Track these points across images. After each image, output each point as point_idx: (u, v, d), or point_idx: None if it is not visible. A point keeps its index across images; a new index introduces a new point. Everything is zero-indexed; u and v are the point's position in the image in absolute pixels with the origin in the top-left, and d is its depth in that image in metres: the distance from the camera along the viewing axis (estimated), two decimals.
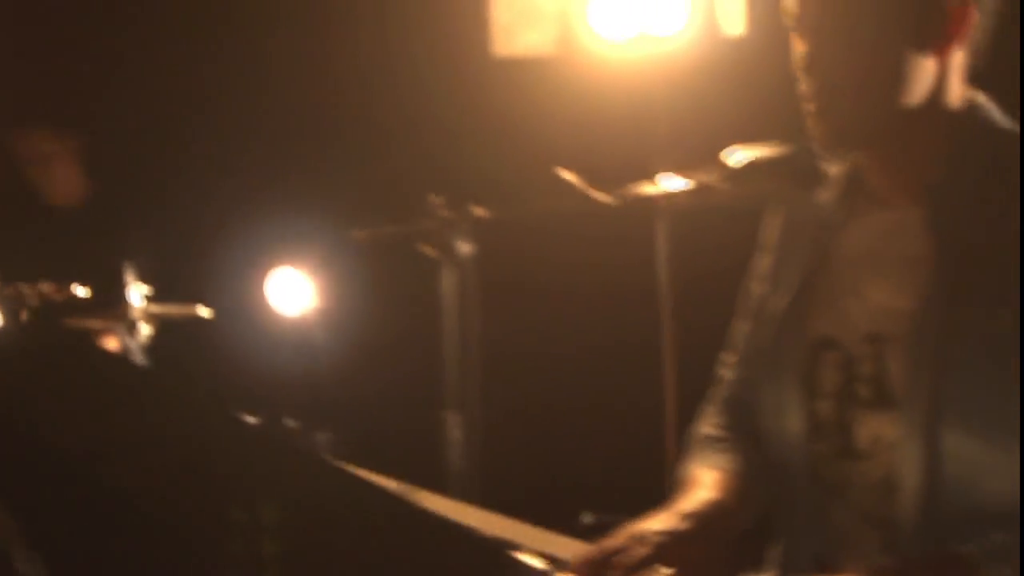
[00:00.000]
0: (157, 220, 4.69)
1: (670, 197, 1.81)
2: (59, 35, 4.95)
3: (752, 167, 1.71)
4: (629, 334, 4.32)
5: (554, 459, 4.57)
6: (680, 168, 2.02)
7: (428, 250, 2.29)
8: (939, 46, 1.74)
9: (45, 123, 4.65)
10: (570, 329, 4.52)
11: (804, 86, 1.76)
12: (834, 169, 1.95)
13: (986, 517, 1.64)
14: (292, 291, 4.67)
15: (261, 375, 4.45)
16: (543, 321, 4.53)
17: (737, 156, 1.75)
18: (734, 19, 3.96)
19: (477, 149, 4.23)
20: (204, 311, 4.14)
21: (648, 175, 2.41)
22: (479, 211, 2.20)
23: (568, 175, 1.92)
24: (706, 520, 1.80)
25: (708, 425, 2.03)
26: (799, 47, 1.77)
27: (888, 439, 1.73)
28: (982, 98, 1.81)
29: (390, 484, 2.05)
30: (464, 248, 2.30)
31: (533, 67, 4.21)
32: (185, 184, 4.81)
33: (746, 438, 1.95)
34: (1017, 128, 1.80)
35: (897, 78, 1.72)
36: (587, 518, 3.72)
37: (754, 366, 1.94)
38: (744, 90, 3.92)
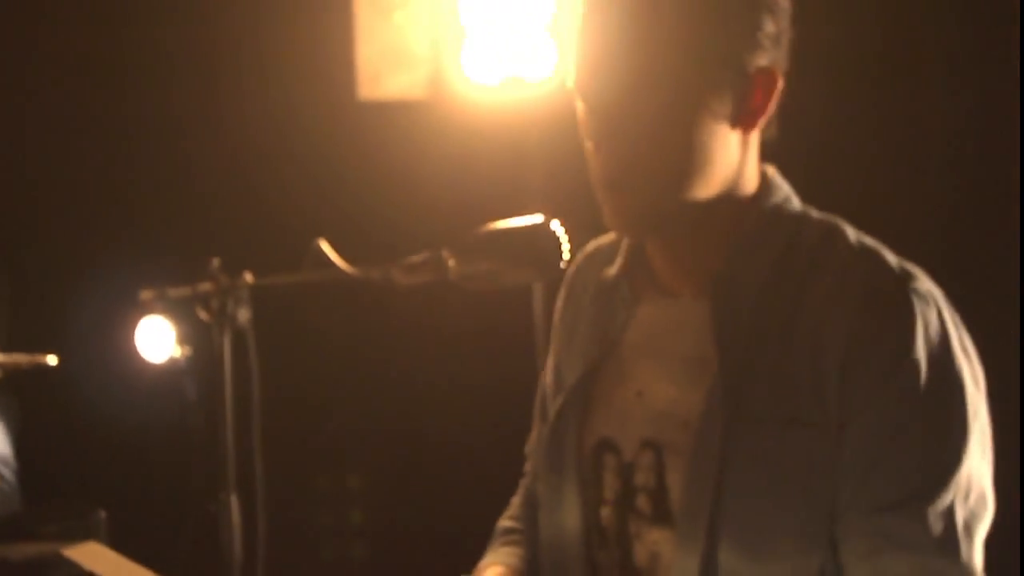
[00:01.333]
0: (15, 265, 4.53)
1: (409, 271, 1.65)
2: None
3: (484, 241, 1.55)
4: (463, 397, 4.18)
5: (349, 539, 4.44)
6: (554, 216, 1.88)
7: (203, 315, 2.13)
8: (746, 122, 1.56)
9: None
10: (381, 400, 4.40)
11: (592, 161, 1.57)
12: (599, 244, 1.80)
13: None
14: (159, 340, 4.53)
15: (121, 427, 4.31)
16: (339, 391, 4.41)
17: (482, 229, 1.60)
18: None
19: (343, 195, 4.09)
20: (52, 360, 3.95)
21: None
22: (250, 277, 2.05)
23: (324, 247, 1.77)
24: None
25: (506, 517, 1.91)
26: (586, 119, 1.56)
27: (665, 558, 1.57)
28: (773, 173, 1.64)
29: None
30: (241, 315, 2.14)
31: (402, 111, 4.07)
32: (44, 227, 4.65)
33: (533, 534, 1.81)
34: (806, 209, 1.63)
35: (700, 159, 1.52)
36: None
37: (538, 460, 1.80)
38: None
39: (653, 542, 1.59)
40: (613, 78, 1.52)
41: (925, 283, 1.52)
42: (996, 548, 3.29)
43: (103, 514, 2.63)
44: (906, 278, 1.51)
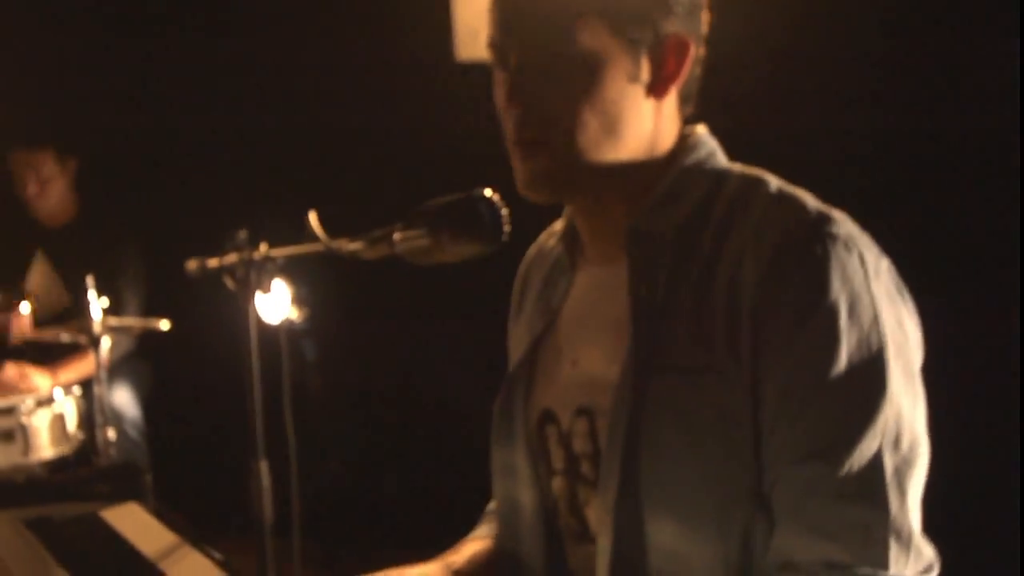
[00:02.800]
0: (143, 235, 4.70)
1: (369, 246, 1.64)
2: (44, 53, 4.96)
3: (424, 216, 1.52)
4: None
5: (384, 497, 4.44)
6: None
7: (231, 285, 2.17)
8: (659, 88, 1.52)
9: (47, 145, 4.66)
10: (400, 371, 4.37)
11: (506, 122, 1.55)
12: (550, 230, 1.79)
13: None
14: (278, 301, 4.62)
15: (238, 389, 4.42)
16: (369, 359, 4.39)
17: (424, 204, 1.58)
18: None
19: (441, 157, 4.09)
20: (164, 324, 4.09)
21: None
22: (264, 249, 2.07)
23: (313, 220, 1.77)
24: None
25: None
26: (502, 80, 1.55)
27: None
28: (699, 132, 1.60)
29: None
30: (264, 286, 2.17)
31: None
32: (167, 196, 4.80)
33: None
34: (732, 165, 1.58)
35: (611, 119, 1.49)
36: None
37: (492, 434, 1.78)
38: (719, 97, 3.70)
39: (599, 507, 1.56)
40: (528, 34, 1.49)
41: (844, 226, 1.44)
42: (995, 546, 3.16)
43: (149, 476, 2.76)
44: (822, 222, 1.44)
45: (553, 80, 1.48)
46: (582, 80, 1.48)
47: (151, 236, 4.70)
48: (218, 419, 4.48)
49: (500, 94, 1.56)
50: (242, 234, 2.23)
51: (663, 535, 1.47)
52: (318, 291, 4.42)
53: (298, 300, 4.58)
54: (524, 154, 1.52)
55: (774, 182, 1.54)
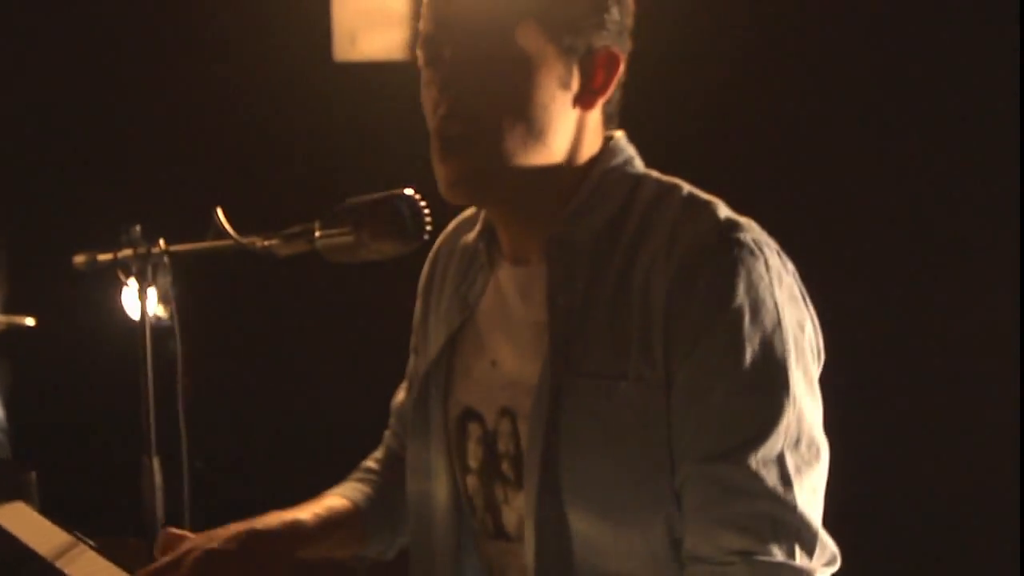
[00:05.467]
0: (6, 229, 4.57)
1: (285, 242, 1.66)
2: None
3: (346, 214, 1.55)
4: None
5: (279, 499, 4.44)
6: None
7: (124, 280, 2.15)
8: (586, 100, 1.57)
9: None
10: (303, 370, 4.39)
11: (431, 118, 1.58)
12: (466, 215, 1.81)
13: None
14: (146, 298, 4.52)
15: (104, 388, 4.33)
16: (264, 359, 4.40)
17: (346, 202, 1.60)
18: None
19: (317, 158, 4.09)
20: (29, 321, 3.99)
21: None
22: (163, 244, 2.06)
23: (221, 216, 1.77)
24: (269, 540, 1.66)
25: (371, 458, 1.93)
26: (430, 77, 1.58)
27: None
28: (618, 138, 1.64)
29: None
30: (160, 282, 2.16)
31: (379, 72, 4.04)
32: (31, 190, 4.68)
33: (391, 486, 1.84)
34: (648, 172, 1.64)
35: (537, 123, 1.53)
36: None
37: (406, 426, 1.81)
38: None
39: (519, 507, 1.60)
40: (465, 30, 1.52)
41: (751, 233, 1.50)
42: (995, 546, 3.27)
43: (33, 474, 2.70)
44: (730, 228, 1.50)
45: (486, 78, 1.50)
46: (515, 81, 1.51)
47: (15, 230, 4.58)
48: (89, 417, 4.40)
49: (427, 92, 1.58)
50: (136, 229, 2.22)
51: (587, 533, 1.52)
52: (191, 288, 4.36)
53: (163, 298, 4.50)
54: (446, 152, 1.54)
55: (686, 188, 1.58)
